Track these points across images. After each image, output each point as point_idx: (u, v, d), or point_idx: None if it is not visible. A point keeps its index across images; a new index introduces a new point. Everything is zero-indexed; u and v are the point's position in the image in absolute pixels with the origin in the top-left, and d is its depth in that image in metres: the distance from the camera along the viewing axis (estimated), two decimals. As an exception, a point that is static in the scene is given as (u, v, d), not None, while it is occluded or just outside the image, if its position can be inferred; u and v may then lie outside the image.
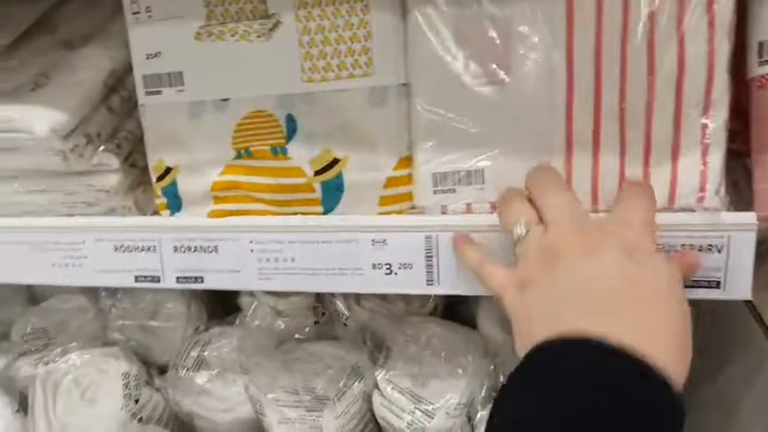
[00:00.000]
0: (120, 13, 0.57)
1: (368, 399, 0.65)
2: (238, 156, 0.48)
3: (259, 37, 0.45)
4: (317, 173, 0.47)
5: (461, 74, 0.43)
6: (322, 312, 0.78)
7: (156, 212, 0.54)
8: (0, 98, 0.49)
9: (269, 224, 0.49)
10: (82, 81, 0.50)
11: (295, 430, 0.63)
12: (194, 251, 0.51)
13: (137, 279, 0.53)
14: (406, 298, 0.75)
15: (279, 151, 0.47)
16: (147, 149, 0.51)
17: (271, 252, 0.49)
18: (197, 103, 0.48)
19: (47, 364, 0.73)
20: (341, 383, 0.63)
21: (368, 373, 0.65)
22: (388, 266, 0.47)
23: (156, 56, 0.48)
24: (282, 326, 0.74)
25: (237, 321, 0.76)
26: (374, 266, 0.48)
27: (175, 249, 0.51)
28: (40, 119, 0.46)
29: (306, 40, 0.45)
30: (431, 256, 0.46)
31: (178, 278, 0.52)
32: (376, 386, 0.64)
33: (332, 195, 0.48)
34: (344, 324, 0.73)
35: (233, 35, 0.46)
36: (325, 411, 0.62)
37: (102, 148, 0.50)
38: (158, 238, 0.52)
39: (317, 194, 0.48)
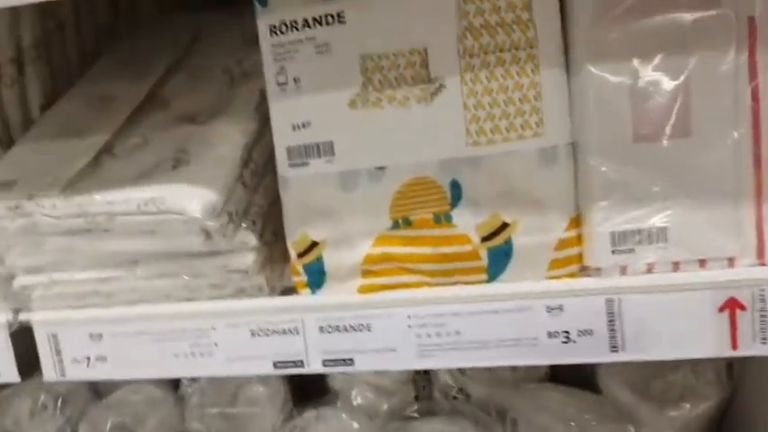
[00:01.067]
0: (239, 84, 0.56)
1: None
2: (395, 226, 0.46)
3: (419, 102, 0.44)
4: (485, 239, 0.45)
5: (638, 129, 0.42)
6: (422, 386, 0.74)
7: (285, 292, 0.51)
8: (142, 177, 0.46)
9: (430, 296, 0.46)
10: (222, 157, 0.47)
11: None
12: (343, 331, 0.47)
13: (276, 366, 0.49)
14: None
15: (443, 219, 0.45)
16: (288, 224, 0.48)
17: (432, 327, 0.46)
18: (349, 173, 0.45)
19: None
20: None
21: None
22: (565, 334, 0.44)
23: (303, 126, 0.46)
24: (386, 406, 0.69)
25: (338, 403, 0.71)
26: (550, 335, 0.44)
27: (321, 330, 0.48)
28: (190, 198, 0.43)
29: (472, 103, 0.43)
30: (613, 321, 0.43)
31: (325, 361, 0.48)
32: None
33: (499, 262, 0.45)
34: (454, 397, 0.69)
35: (390, 101, 0.44)
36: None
37: (243, 225, 0.47)
38: (301, 318, 0.48)
39: (483, 262, 0.45)
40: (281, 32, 0.45)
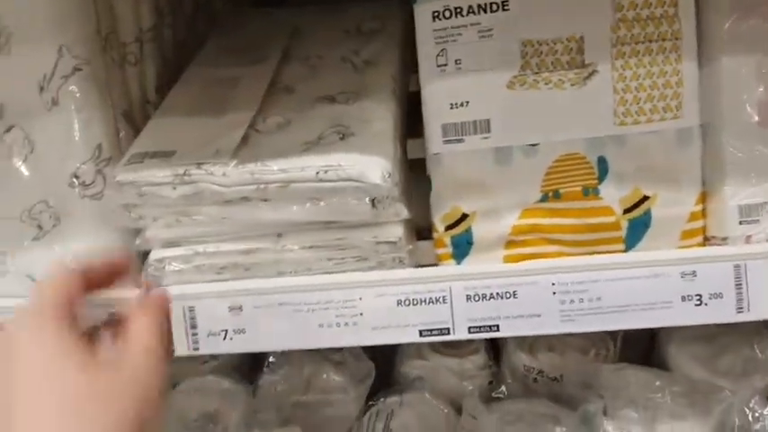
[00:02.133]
0: (365, 71, 0.59)
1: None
2: (544, 198, 0.50)
3: (573, 85, 0.48)
4: (626, 211, 0.49)
5: (763, 114, 0.48)
6: (495, 371, 0.77)
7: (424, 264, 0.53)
8: (309, 149, 0.48)
9: (573, 264, 0.49)
10: (381, 131, 0.50)
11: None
12: (489, 298, 0.50)
13: (422, 333, 0.51)
14: (582, 347, 0.75)
15: (590, 192, 0.49)
16: (437, 198, 0.51)
17: (574, 293, 0.49)
18: (503, 149, 0.49)
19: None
20: (580, 438, 0.61)
21: (593, 423, 0.64)
22: (698, 298, 0.49)
23: (462, 105, 0.49)
24: (471, 387, 0.72)
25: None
26: (684, 299, 0.49)
27: (468, 298, 0.50)
28: (368, 165, 0.46)
29: (620, 87, 0.48)
30: (740, 285, 0.49)
31: (470, 328, 0.50)
32: (603, 435, 0.63)
33: (637, 232, 0.49)
34: (534, 380, 0.72)
35: (547, 84, 0.48)
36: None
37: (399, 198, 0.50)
38: (449, 287, 0.50)
39: (622, 232, 0.50)
40: (445, 17, 0.48)
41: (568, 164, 0.49)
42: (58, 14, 0.49)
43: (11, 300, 0.53)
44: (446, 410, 0.70)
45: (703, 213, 0.50)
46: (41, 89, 0.50)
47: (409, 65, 0.62)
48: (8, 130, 0.52)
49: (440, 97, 0.49)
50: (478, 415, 0.64)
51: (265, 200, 0.48)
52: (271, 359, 0.74)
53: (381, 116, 0.52)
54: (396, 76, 0.58)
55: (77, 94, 0.50)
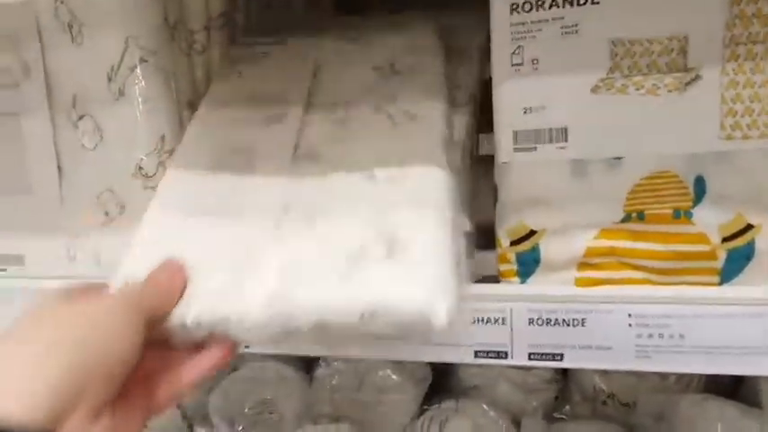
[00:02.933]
0: (410, 125, 0.53)
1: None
2: (626, 219, 0.44)
3: (670, 92, 0.42)
4: (725, 240, 0.43)
5: None
6: (561, 388, 0.72)
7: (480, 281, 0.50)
8: (349, 267, 0.39)
9: (655, 295, 0.44)
10: (436, 240, 0.39)
11: None
12: (554, 324, 0.46)
13: (477, 355, 0.48)
14: (661, 373, 0.68)
15: (682, 215, 0.43)
16: (503, 210, 0.47)
17: (654, 327, 0.44)
18: (582, 161, 0.44)
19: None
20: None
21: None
22: (805, 346, 0.42)
23: (536, 110, 0.44)
24: (529, 405, 0.68)
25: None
26: (787, 346, 0.42)
27: (530, 322, 0.46)
28: (428, 300, 0.36)
29: (730, 96, 0.41)
30: None
31: (531, 355, 0.46)
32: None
33: (736, 265, 0.43)
34: (603, 402, 0.67)
35: (638, 89, 0.42)
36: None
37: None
38: (509, 308, 0.46)
39: (719, 263, 0.43)
40: (525, 10, 0.43)
41: (658, 182, 0.43)
42: (126, 6, 0.49)
43: (79, 281, 0.56)
44: (504, 424, 0.66)
45: (823, 247, 0.43)
46: (110, 79, 0.50)
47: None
48: (80, 118, 0.53)
49: (512, 100, 0.45)
50: (537, 438, 0.60)
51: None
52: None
53: (434, 206, 0.41)
54: (445, 132, 0.47)
55: (142, 85, 0.50)
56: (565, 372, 0.72)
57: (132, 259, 0.42)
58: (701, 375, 0.68)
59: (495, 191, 0.48)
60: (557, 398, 0.71)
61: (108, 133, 0.53)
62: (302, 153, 0.47)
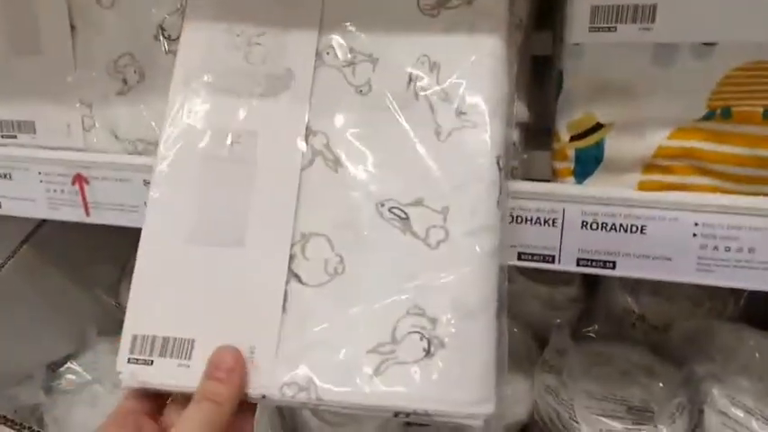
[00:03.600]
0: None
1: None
2: (709, 116, 0.39)
3: (786, -33, 0.36)
4: (819, 146, 0.38)
5: None
6: (586, 307, 0.70)
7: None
8: (382, 360, 0.38)
9: (728, 204, 0.39)
10: (478, 335, 0.38)
11: (617, 444, 0.55)
12: (610, 230, 0.42)
13: (521, 257, 0.44)
14: (696, 298, 0.66)
15: (774, 115, 0.38)
16: (568, 99, 0.42)
17: (721, 239, 0.40)
18: (668, 46, 0.38)
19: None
20: (679, 399, 0.54)
21: (699, 386, 0.56)
22: None
23: (622, -18, 0.38)
24: (558, 320, 0.65)
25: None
26: None
27: (584, 225, 0.42)
28: (468, 406, 0.36)
29: None
30: None
31: (580, 260, 0.43)
32: (706, 402, 0.56)
33: (825, 176, 0.39)
34: (632, 324, 0.65)
35: (748, -39, 0.36)
36: (663, 428, 0.53)
37: (518, 94, 0.41)
38: (562, 209, 0.42)
39: (804, 173, 0.39)
40: None
41: (752, 75, 0.37)
42: None
43: (96, 155, 0.52)
44: (527, 340, 0.64)
45: None
46: (130, -77, 0.44)
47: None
48: (95, -32, 0.47)
49: (595, -31, 0.39)
50: (566, 352, 0.58)
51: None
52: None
53: (479, 292, 0.38)
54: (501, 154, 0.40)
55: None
56: (592, 292, 0.70)
57: (135, 315, 0.40)
58: (736, 304, 0.65)
59: (557, 80, 0.43)
60: (580, 318, 0.68)
61: (125, -11, 0.47)
62: (314, 152, 0.41)
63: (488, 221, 0.38)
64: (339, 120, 0.41)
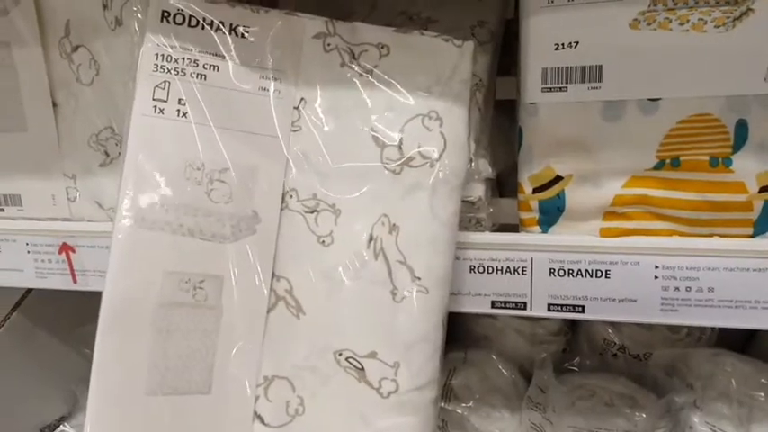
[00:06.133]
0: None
1: (677, 442, 0.58)
2: (659, 166, 0.41)
3: (718, 27, 0.38)
4: (763, 189, 0.40)
5: None
6: (570, 340, 0.71)
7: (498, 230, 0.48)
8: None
9: (685, 246, 0.42)
10: None
11: (604, 478, 0.56)
12: (576, 275, 0.44)
13: (494, 305, 0.46)
14: (672, 326, 0.67)
15: (720, 163, 0.40)
16: (528, 155, 0.44)
17: (681, 280, 0.42)
18: (616, 103, 0.41)
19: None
20: (661, 430, 0.56)
21: (680, 415, 0.58)
22: (840, 302, 0.40)
23: (569, 46, 0.41)
24: (543, 354, 0.67)
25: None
26: (821, 301, 0.41)
27: (551, 272, 0.44)
28: None
29: (782, 33, 0.38)
30: None
31: (550, 306, 0.45)
32: (687, 430, 0.57)
33: (773, 216, 0.41)
34: (614, 355, 0.66)
35: (682, 24, 0.39)
36: (646, 458, 0.55)
37: (481, 153, 0.43)
38: (530, 258, 0.45)
39: (753, 215, 0.41)
40: (561, -65, 0.39)
41: (697, 127, 0.40)
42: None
43: (81, 224, 0.54)
44: (513, 375, 0.65)
45: None
46: (105, 7, 0.47)
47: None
48: (75, 49, 0.50)
49: (543, 35, 0.41)
50: (548, 389, 0.60)
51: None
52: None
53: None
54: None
55: (140, 15, 0.46)
56: (574, 324, 0.71)
57: None
58: (712, 330, 0.67)
59: (518, 134, 0.45)
60: (564, 350, 0.70)
61: (105, 67, 0.49)
62: (277, 297, 0.43)
63: (433, 376, 0.42)
64: (302, 268, 0.42)
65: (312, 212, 0.42)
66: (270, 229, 0.42)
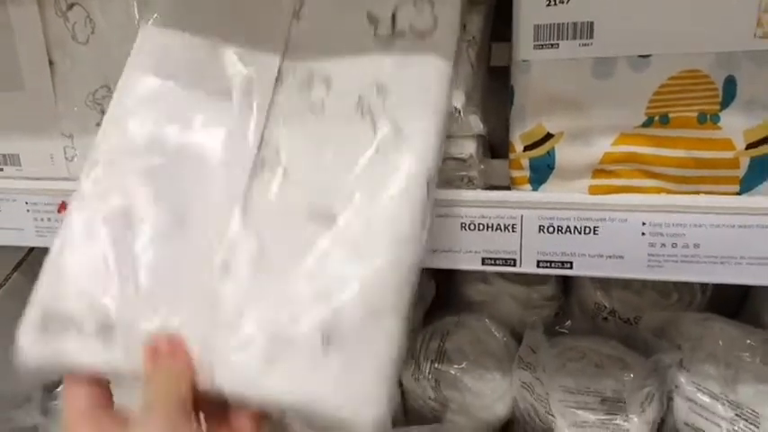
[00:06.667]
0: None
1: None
2: (648, 123, 0.42)
3: (706, -18, 0.38)
4: (750, 146, 0.41)
5: None
6: (564, 304, 0.72)
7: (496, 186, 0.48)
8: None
9: (673, 203, 0.42)
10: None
11: (591, 434, 0.57)
12: (565, 232, 0.45)
13: (484, 262, 0.47)
14: (664, 291, 0.69)
15: (708, 119, 0.41)
16: (520, 113, 0.44)
17: (668, 236, 0.43)
18: (606, 60, 0.41)
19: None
20: (648, 388, 0.57)
21: (667, 374, 0.59)
22: (822, 257, 0.41)
23: (560, 2, 0.41)
24: (529, 320, 0.68)
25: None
26: (804, 257, 0.41)
27: (541, 229, 0.45)
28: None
29: (776, -12, 0.38)
30: None
31: (539, 262, 0.46)
32: (674, 389, 0.59)
33: (759, 173, 0.41)
34: (604, 318, 0.67)
35: (674, -21, 0.39)
36: (634, 417, 0.56)
37: (471, 109, 0.44)
38: (520, 215, 0.45)
39: (740, 171, 0.41)
40: None
41: (686, 83, 0.40)
42: None
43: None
44: (505, 338, 0.67)
45: None
46: (100, -37, 0.47)
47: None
48: (70, 7, 0.50)
49: (536, -9, 0.41)
50: (539, 349, 0.61)
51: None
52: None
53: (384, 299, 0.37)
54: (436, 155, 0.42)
55: (136, -29, 0.47)
56: (567, 289, 0.72)
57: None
58: (703, 294, 0.68)
59: (510, 93, 0.45)
60: (557, 314, 0.71)
61: (100, 25, 0.50)
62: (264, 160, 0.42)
63: (413, 232, 0.38)
64: (291, 133, 0.42)
65: (307, 85, 0.43)
66: (265, 93, 0.43)
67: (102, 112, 0.52)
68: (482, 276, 0.72)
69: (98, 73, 0.51)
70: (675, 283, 0.67)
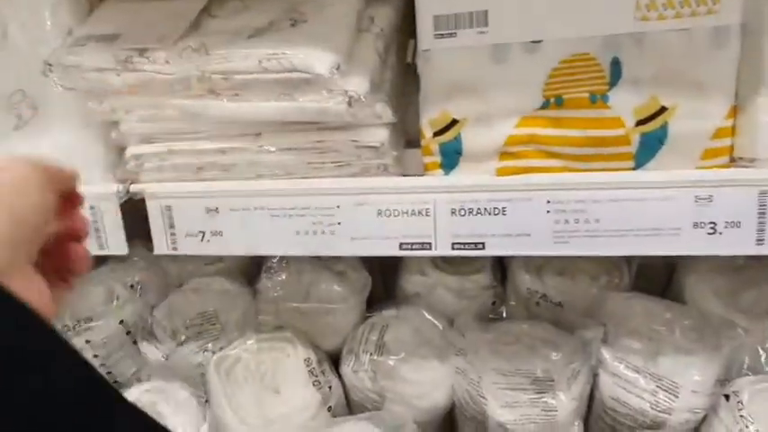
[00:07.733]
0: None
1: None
2: (545, 105, 0.44)
3: (588, -30, 0.41)
4: (639, 123, 0.43)
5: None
6: (500, 293, 0.74)
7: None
8: (256, 36, 0.44)
9: (572, 181, 0.44)
10: (335, 18, 0.45)
11: (522, 413, 0.59)
12: (476, 214, 0.46)
13: (402, 247, 0.48)
14: (594, 274, 0.71)
15: (598, 99, 0.43)
16: (426, 100, 0.46)
17: (571, 213, 0.45)
18: (502, 46, 0.43)
19: (219, 350, 0.67)
20: (574, 364, 0.59)
21: (592, 351, 0.61)
22: (712, 226, 0.43)
23: (456, -7, 0.43)
24: (466, 309, 0.69)
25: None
26: (695, 226, 0.44)
27: (453, 212, 0.47)
28: (314, 54, 0.42)
29: (646, -26, 0.40)
30: (764, 213, 0.43)
31: (454, 244, 0.47)
32: (600, 364, 0.61)
33: (649, 148, 0.44)
34: (536, 303, 0.69)
35: (558, -32, 0.41)
36: (560, 394, 0.58)
37: (379, 98, 0.45)
38: (433, 199, 0.47)
39: (632, 148, 0.44)
40: None
41: (576, 66, 0.43)
42: None
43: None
44: (441, 326, 0.68)
45: (732, 130, 0.44)
46: (8, -33, 0.47)
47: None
48: (-20, 12, 0.50)
49: (433, -17, 0.43)
50: (467, 332, 0.62)
51: (236, 95, 0.45)
52: (269, 264, 0.73)
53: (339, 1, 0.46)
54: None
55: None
56: (503, 278, 0.74)
57: None
58: (630, 276, 0.70)
59: (418, 81, 0.47)
60: (494, 303, 0.73)
61: (12, 28, 0.49)
62: None
63: None
64: None
65: None
66: None
67: (19, 116, 0.52)
68: (419, 268, 0.73)
69: (12, 78, 0.51)
70: (605, 266, 0.70)
